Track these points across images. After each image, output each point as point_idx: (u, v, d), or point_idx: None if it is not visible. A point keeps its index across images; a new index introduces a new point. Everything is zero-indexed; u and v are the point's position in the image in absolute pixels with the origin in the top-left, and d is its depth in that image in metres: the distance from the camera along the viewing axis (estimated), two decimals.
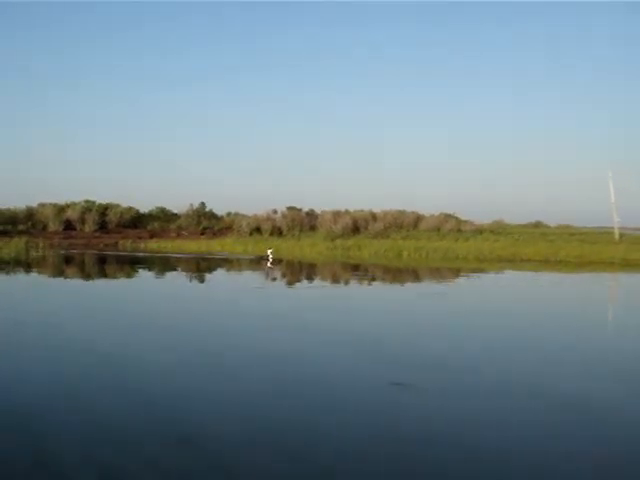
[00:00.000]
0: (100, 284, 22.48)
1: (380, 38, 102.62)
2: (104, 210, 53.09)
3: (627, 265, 33.49)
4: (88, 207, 52.60)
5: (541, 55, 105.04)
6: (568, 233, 50.72)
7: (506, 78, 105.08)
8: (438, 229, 47.21)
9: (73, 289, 20.38)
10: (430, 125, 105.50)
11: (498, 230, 51.62)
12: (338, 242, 41.63)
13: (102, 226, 51.69)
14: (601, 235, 48.54)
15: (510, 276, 28.05)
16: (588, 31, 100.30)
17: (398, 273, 29.28)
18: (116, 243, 46.57)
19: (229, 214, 56.48)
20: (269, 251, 33.35)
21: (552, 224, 61.73)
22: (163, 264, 32.06)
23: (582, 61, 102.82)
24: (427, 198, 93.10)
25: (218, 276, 26.63)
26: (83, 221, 51.11)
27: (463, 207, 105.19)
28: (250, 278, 24.90)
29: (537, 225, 61.55)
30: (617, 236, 46.53)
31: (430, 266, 31.96)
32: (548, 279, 26.94)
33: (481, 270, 29.63)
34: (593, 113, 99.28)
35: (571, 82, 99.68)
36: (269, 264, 30.33)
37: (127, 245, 45.47)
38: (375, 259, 35.66)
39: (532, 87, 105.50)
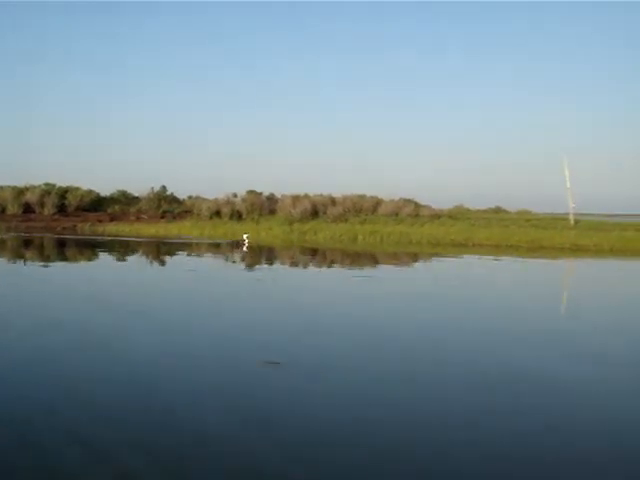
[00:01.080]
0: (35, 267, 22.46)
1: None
2: (64, 193, 52.63)
3: (577, 250, 34.23)
4: (47, 190, 52.13)
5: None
6: (524, 219, 51.34)
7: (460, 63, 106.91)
8: (396, 214, 47.58)
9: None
10: (395, 110, 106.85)
11: (457, 215, 52.13)
12: (296, 226, 41.89)
13: (61, 209, 51.23)
14: (557, 221, 49.31)
15: (453, 260, 28.69)
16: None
17: (345, 256, 29.72)
18: (74, 226, 46.30)
19: (190, 198, 56.28)
20: (245, 236, 33.53)
21: (512, 209, 62.37)
22: (120, 248, 32.11)
23: (525, 49, 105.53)
24: (391, 183, 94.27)
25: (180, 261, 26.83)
26: (42, 204, 50.62)
27: (425, 192, 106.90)
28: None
29: (497, 210, 62.21)
30: (572, 222, 47.33)
31: (380, 250, 32.43)
32: (492, 263, 27.71)
33: (426, 254, 30.40)
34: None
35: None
36: (244, 248, 30.84)
37: (85, 228, 45.27)
38: (330, 243, 36.04)
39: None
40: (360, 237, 37.34)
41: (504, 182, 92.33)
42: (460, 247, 34.52)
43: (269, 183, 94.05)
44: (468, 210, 61.84)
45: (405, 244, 35.50)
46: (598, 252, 33.38)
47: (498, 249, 34.11)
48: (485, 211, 60.71)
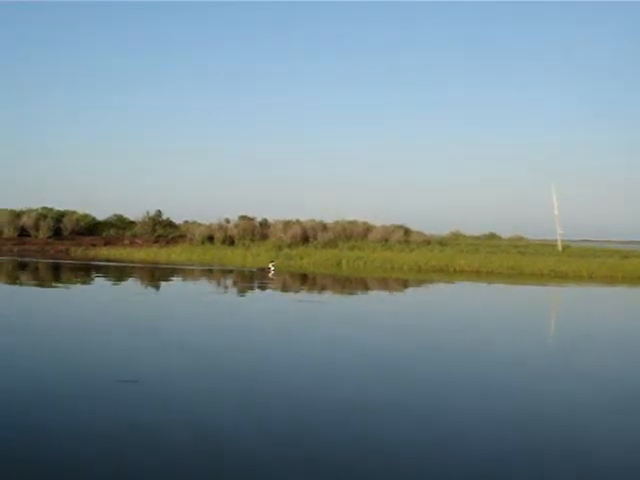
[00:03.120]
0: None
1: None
2: (60, 217, 53.49)
3: (556, 276, 34.59)
4: (44, 214, 53.02)
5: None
6: (514, 245, 51.89)
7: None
8: (386, 240, 48.09)
9: None
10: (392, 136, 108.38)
11: (448, 241, 52.67)
12: (284, 251, 42.48)
13: (57, 233, 52.03)
14: (545, 247, 49.81)
15: (424, 287, 29.30)
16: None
17: (316, 281, 30.22)
18: (67, 250, 47.01)
19: (186, 222, 57.07)
20: (271, 264, 33.07)
21: (505, 236, 62.95)
22: (108, 272, 32.70)
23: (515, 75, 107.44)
24: (392, 210, 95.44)
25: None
26: (37, 228, 51.46)
27: (422, 219, 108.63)
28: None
29: (491, 237, 62.80)
30: (560, 248, 47.82)
31: (358, 276, 32.86)
32: (453, 289, 28.41)
33: (395, 279, 31.16)
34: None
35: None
36: (270, 275, 30.82)
37: (78, 252, 45.94)
38: (314, 268, 36.56)
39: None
40: (344, 262, 37.84)
41: (498, 209, 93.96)
42: (440, 273, 35.00)
43: (275, 208, 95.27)
44: (464, 236, 62.49)
45: (387, 270, 35.95)
46: (576, 278, 33.74)
47: (478, 275, 34.62)
48: (478, 237, 61.26)
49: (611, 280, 33.15)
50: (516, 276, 34.38)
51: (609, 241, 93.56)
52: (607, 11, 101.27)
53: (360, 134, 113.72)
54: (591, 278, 34.09)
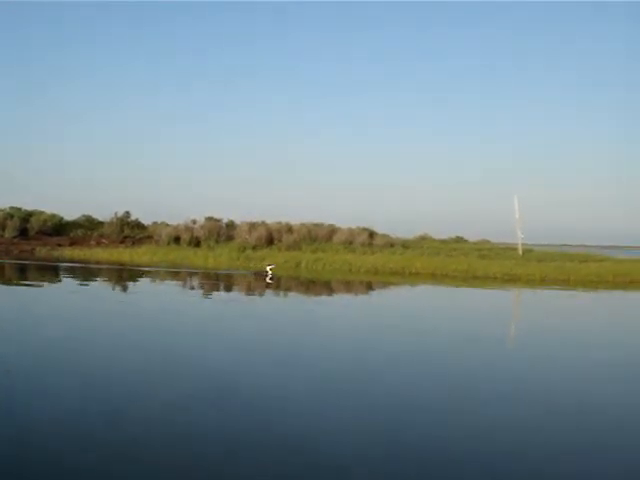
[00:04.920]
0: None
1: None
2: (27, 217, 53.53)
3: (509, 280, 35.30)
4: (11, 213, 53.06)
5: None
6: (477, 248, 52.65)
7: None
8: (350, 242, 48.60)
9: None
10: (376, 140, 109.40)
11: (413, 244, 53.21)
12: (247, 253, 42.89)
13: (23, 232, 52.08)
14: (507, 251, 50.55)
15: (366, 289, 29.95)
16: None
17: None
18: (33, 250, 47.13)
19: (155, 223, 57.26)
20: (269, 267, 32.80)
21: (472, 239, 63.76)
22: (64, 273, 32.95)
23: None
24: (359, 212, 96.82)
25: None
26: (4, 227, 51.49)
27: (393, 222, 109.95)
28: None
29: (458, 240, 63.49)
30: (520, 252, 48.57)
31: (314, 277, 33.38)
32: (399, 291, 29.08)
33: (340, 281, 31.76)
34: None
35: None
36: (268, 279, 30.49)
37: (43, 252, 46.07)
38: (274, 270, 36.92)
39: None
40: (303, 264, 38.33)
41: (466, 213, 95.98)
42: (396, 275, 35.63)
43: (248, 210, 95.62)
44: (431, 239, 63.13)
45: (344, 272, 36.52)
46: (529, 282, 34.47)
47: (434, 277, 35.27)
48: (445, 241, 61.91)
49: (563, 283, 33.84)
50: (470, 279, 35.00)
51: (584, 245, 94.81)
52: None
53: (330, 137, 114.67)
54: (543, 281, 34.83)
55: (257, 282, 29.31)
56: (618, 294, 30.05)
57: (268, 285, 28.23)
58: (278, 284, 29.12)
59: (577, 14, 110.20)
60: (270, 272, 32.13)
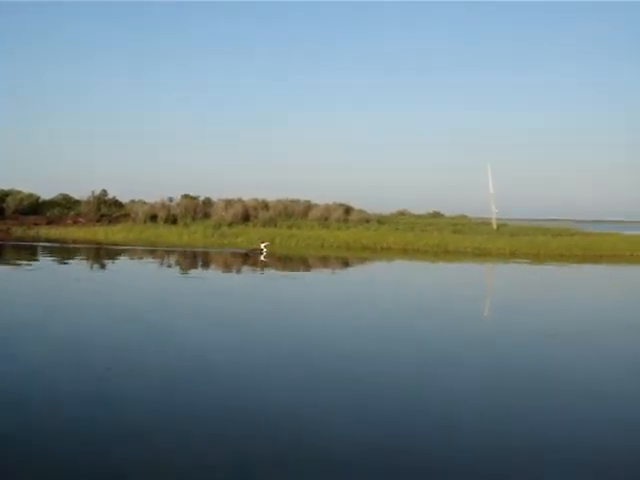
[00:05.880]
0: None
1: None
2: (4, 196, 53.27)
3: (480, 254, 35.77)
4: None
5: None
6: (453, 223, 53.07)
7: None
8: (326, 218, 48.84)
9: None
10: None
11: (388, 220, 53.46)
12: (222, 230, 43.06)
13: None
14: (481, 226, 51.03)
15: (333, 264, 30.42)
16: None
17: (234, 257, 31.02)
18: (9, 229, 46.98)
19: (133, 201, 57.15)
20: (263, 245, 32.74)
21: (449, 214, 64.18)
22: (34, 253, 33.08)
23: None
24: (335, 188, 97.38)
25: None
26: None
27: (372, 198, 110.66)
28: None
29: (435, 215, 63.87)
30: (495, 226, 49.09)
31: (287, 253, 33.75)
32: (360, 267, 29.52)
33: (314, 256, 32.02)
34: None
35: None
36: (262, 257, 30.45)
37: (19, 232, 45.95)
38: (247, 245, 37.19)
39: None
40: (277, 240, 38.57)
41: (444, 188, 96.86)
42: (368, 251, 36.04)
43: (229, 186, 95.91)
44: (409, 214, 63.55)
45: (317, 247, 36.86)
46: (499, 256, 34.95)
47: (405, 252, 35.73)
48: (422, 216, 62.25)
49: (533, 257, 34.33)
50: (440, 254, 35.45)
51: (573, 220, 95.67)
52: None
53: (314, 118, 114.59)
54: (514, 255, 35.27)
55: (252, 259, 29.61)
56: (587, 268, 30.76)
57: (263, 263, 28.33)
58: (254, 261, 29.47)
59: None
60: (265, 250, 32.20)
